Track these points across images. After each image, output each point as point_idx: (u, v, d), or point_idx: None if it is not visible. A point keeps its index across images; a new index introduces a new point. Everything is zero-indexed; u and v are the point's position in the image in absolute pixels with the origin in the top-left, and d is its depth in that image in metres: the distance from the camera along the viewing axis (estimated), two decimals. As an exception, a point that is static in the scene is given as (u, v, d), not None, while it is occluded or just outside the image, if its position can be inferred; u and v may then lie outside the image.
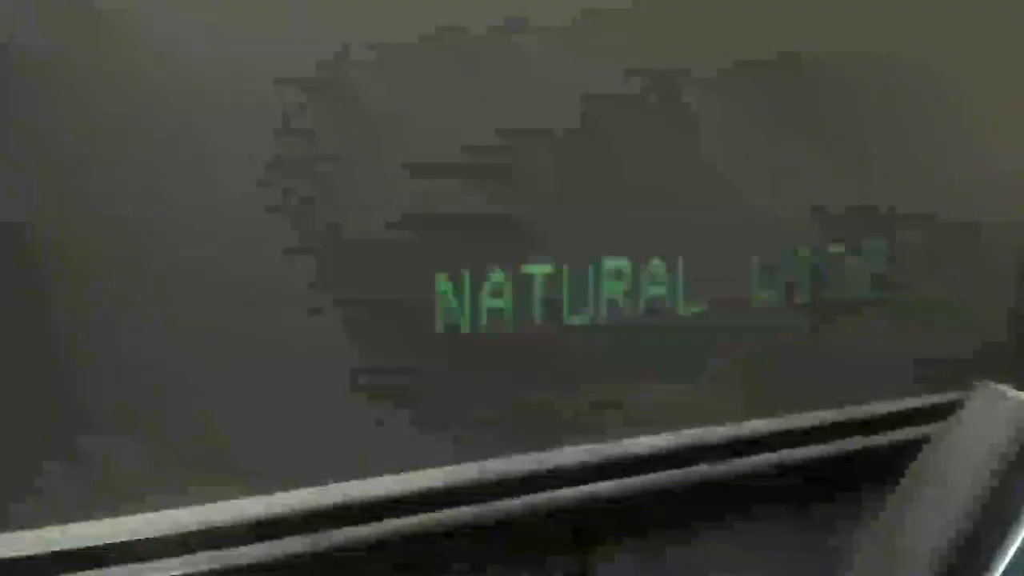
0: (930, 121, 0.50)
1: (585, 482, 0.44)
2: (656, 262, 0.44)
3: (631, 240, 0.44)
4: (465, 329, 0.41)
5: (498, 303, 0.42)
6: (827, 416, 0.49)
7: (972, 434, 0.38)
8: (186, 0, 0.35)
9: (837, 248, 0.49)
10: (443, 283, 0.40)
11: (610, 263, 0.44)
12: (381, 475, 0.40)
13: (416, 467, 0.41)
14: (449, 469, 0.41)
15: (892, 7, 0.48)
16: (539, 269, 0.42)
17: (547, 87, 0.41)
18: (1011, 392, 0.38)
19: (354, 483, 0.40)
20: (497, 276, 0.41)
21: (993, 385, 0.39)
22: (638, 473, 0.45)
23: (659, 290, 0.45)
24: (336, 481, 0.39)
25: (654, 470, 0.46)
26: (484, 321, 0.42)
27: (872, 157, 0.49)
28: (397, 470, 0.40)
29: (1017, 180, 0.54)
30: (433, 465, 0.41)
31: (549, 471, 0.43)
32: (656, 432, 0.46)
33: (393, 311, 0.40)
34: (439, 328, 0.41)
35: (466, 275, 0.41)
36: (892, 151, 0.49)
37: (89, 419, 0.36)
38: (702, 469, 0.46)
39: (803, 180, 0.47)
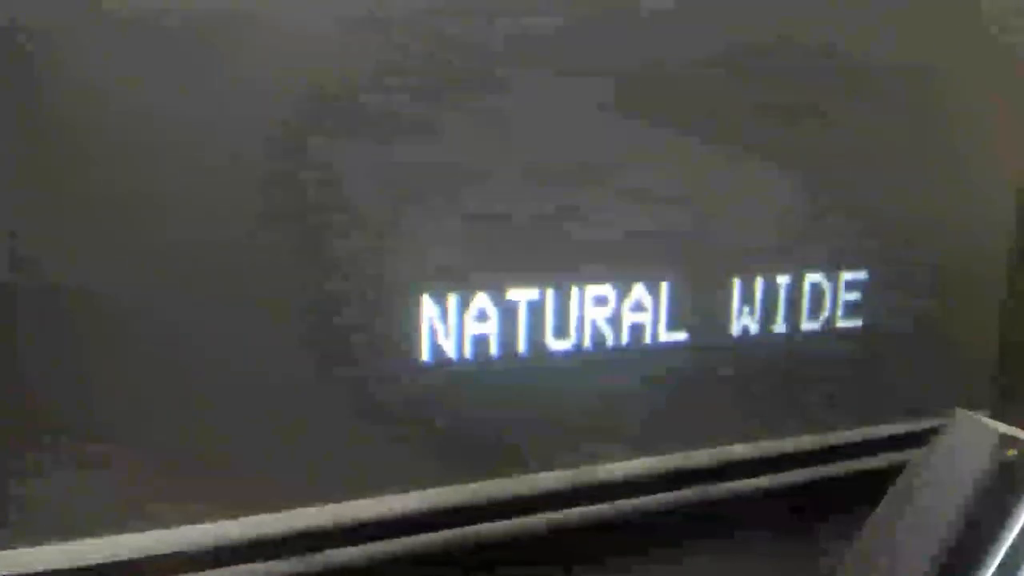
0: (914, 149, 0.51)
1: (567, 506, 0.45)
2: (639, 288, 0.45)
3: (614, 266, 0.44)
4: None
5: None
6: (805, 442, 0.50)
7: (948, 462, 0.38)
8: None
9: (815, 276, 0.49)
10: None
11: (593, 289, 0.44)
12: (358, 499, 0.40)
13: (396, 490, 0.41)
14: (428, 492, 0.42)
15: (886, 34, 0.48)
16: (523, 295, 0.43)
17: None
18: (986, 421, 0.39)
19: (331, 507, 0.40)
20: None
21: (969, 413, 0.39)
22: (621, 498, 0.46)
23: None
24: (315, 504, 0.40)
25: (637, 495, 0.46)
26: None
27: (854, 183, 0.49)
28: (375, 493, 0.41)
29: (997, 207, 0.54)
30: (413, 488, 0.41)
31: (532, 495, 0.44)
32: (637, 456, 0.46)
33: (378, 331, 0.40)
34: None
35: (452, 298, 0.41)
36: (875, 176, 0.50)
37: (87, 435, 0.36)
38: (685, 494, 0.47)
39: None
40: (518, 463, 0.44)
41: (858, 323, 0.51)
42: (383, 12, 0.38)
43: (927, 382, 0.53)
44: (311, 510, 0.40)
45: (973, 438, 0.38)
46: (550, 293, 0.43)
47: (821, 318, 0.50)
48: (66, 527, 0.36)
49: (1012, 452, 0.37)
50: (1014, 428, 0.38)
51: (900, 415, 0.52)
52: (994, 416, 0.40)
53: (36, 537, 0.36)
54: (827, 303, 0.49)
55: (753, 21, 0.45)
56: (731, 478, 0.48)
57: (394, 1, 0.38)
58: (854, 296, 0.50)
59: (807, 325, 0.49)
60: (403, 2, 0.38)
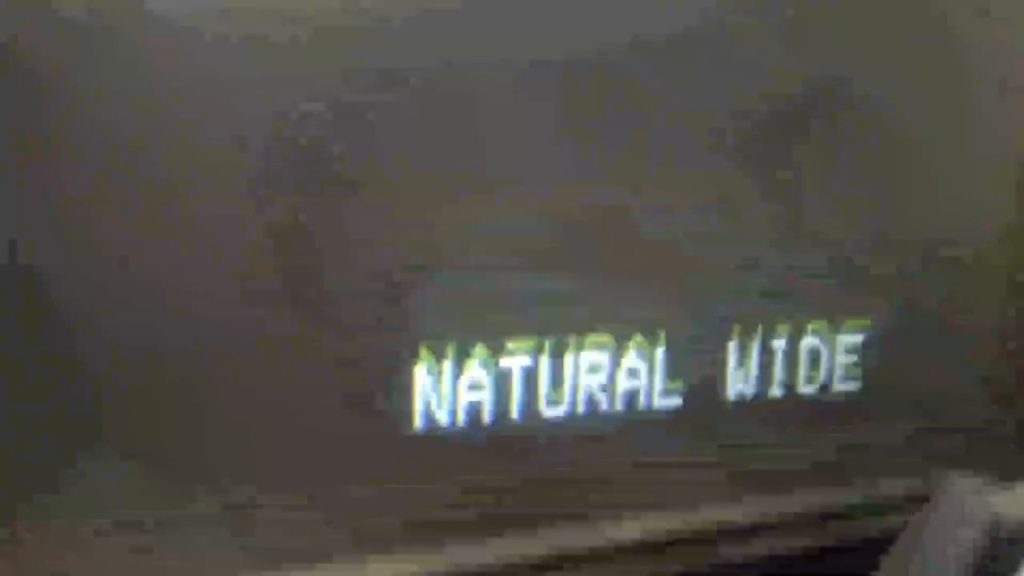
0: (909, 204, 0.50)
1: (561, 569, 0.44)
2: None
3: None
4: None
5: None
6: (800, 504, 0.49)
7: (939, 532, 0.38)
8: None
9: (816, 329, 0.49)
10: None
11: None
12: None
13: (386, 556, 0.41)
14: (420, 559, 0.42)
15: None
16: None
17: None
18: (981, 487, 0.38)
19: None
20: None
21: (963, 479, 0.38)
22: (618, 562, 0.46)
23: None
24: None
25: (632, 560, 0.46)
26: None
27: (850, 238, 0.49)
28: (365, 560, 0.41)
29: (992, 260, 0.54)
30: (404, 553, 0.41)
31: (524, 559, 0.44)
32: (632, 518, 0.46)
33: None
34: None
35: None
36: (871, 231, 0.49)
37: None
38: (675, 560, 0.46)
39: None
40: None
41: (854, 385, 0.50)
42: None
43: (928, 443, 0.53)
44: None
45: (965, 506, 0.38)
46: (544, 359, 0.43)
47: (817, 381, 0.49)
48: None
49: (1006, 523, 0.37)
50: (1012, 494, 0.38)
51: (900, 476, 0.51)
52: (998, 479, 0.40)
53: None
54: (823, 365, 0.49)
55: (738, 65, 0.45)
56: (724, 544, 0.47)
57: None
58: (851, 359, 0.50)
59: (803, 388, 0.49)
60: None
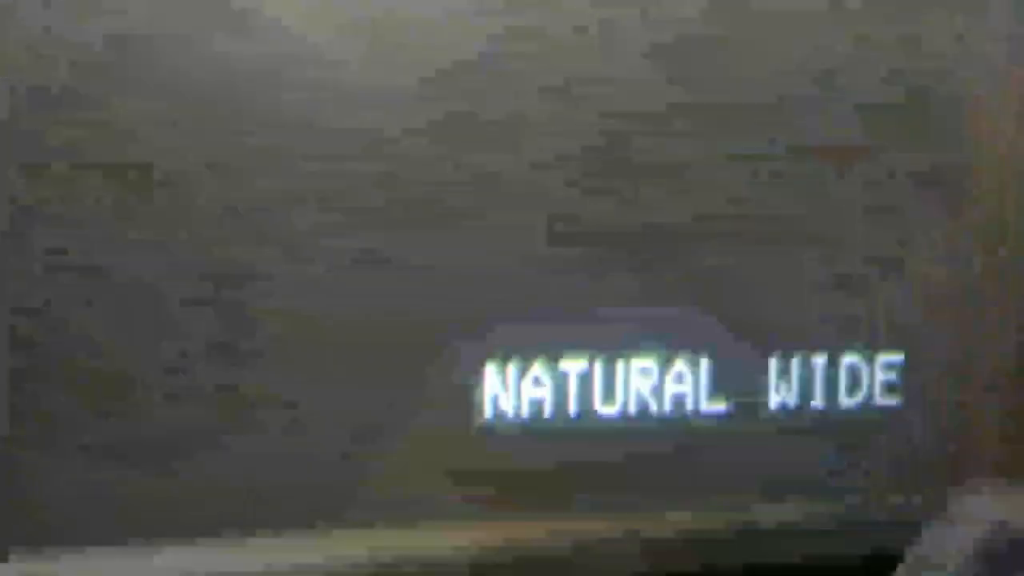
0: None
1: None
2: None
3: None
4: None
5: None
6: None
7: (944, 533, 0.40)
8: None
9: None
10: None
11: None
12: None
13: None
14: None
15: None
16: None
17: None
18: (985, 489, 0.40)
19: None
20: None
21: (964, 496, 0.39)
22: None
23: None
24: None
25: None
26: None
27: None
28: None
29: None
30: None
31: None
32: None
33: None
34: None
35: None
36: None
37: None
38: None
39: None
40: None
41: (894, 401, 0.54)
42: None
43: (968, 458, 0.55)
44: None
45: (969, 509, 0.39)
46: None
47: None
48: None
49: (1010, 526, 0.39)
50: (1018, 497, 0.39)
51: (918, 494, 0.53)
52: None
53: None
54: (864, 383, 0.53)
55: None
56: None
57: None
58: (891, 376, 0.54)
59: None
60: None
